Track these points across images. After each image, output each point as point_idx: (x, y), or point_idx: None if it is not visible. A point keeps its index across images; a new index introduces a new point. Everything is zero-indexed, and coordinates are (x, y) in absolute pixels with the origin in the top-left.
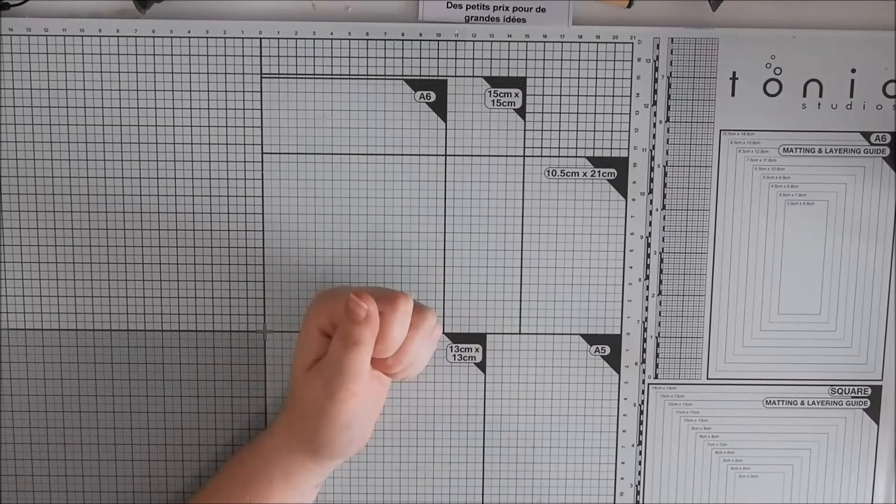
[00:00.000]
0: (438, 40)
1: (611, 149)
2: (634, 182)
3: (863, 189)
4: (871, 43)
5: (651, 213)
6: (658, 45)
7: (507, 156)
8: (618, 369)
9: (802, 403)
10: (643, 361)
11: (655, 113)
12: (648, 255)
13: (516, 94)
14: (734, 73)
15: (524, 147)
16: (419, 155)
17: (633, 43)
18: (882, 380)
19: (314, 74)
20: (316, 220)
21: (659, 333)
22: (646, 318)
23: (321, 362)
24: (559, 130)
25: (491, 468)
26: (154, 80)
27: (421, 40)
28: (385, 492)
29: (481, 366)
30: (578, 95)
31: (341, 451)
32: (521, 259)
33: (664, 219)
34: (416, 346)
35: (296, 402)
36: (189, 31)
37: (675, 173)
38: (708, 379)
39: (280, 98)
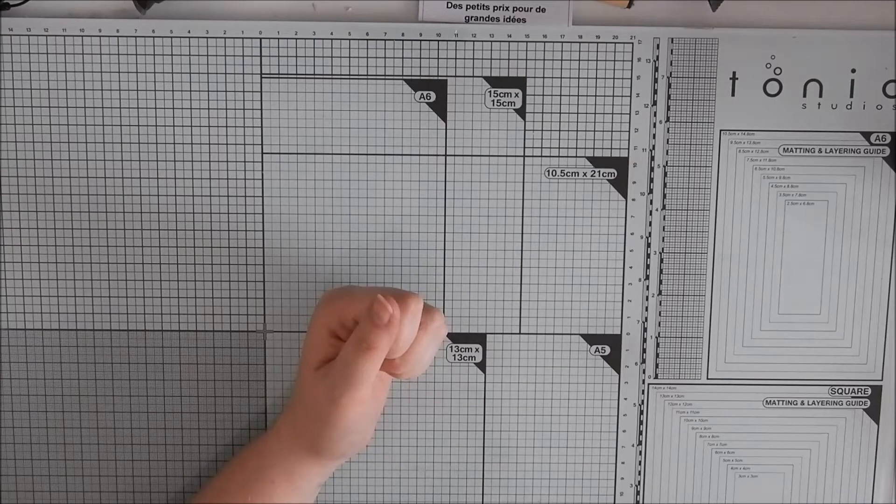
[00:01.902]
0: (438, 40)
1: (611, 149)
2: (634, 182)
3: (863, 189)
4: (871, 43)
5: (651, 213)
6: (658, 45)
7: (507, 156)
8: (618, 369)
9: (802, 403)
10: (643, 361)
11: (655, 113)
12: (648, 255)
13: (516, 94)
14: (734, 73)
15: (524, 147)
16: (419, 155)
17: (633, 43)
18: (882, 380)
19: (314, 74)
20: (316, 220)
21: (659, 333)
22: (646, 318)
23: (330, 364)
24: (559, 130)
25: (491, 468)
26: (154, 80)
27: (421, 40)
28: (385, 492)
29: (481, 366)
30: (578, 95)
31: (344, 453)
32: (521, 259)
33: (664, 219)
34: (424, 346)
35: (300, 402)
36: (189, 31)
37: (675, 173)
38: (708, 379)
39: (280, 98)
